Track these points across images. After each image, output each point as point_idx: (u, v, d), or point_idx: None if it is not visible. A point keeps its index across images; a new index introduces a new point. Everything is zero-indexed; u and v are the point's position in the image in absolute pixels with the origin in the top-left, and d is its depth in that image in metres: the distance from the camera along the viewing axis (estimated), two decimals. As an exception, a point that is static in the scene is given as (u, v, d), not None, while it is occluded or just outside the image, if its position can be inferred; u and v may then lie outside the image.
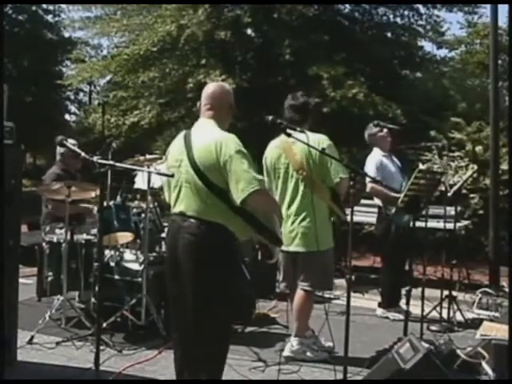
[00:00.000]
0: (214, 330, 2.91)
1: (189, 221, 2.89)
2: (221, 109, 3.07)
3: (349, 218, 3.38)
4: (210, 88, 3.15)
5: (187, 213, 2.92)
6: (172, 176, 2.87)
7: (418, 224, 4.99)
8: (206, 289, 2.88)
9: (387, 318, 5.48)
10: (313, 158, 4.02)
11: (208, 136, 2.92)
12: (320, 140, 3.97)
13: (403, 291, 4.90)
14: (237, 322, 4.93)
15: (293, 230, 4.14)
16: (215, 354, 2.94)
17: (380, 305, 5.62)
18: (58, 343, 4.33)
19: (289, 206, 4.16)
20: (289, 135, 3.45)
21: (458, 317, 5.30)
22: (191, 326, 2.93)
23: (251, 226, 2.93)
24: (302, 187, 4.11)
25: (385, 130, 5.53)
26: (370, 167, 5.43)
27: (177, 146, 3.06)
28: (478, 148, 8.58)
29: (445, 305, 5.25)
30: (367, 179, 5.21)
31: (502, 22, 9.09)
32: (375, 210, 5.81)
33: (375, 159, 5.48)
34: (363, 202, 6.09)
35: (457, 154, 8.64)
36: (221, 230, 2.87)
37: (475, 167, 7.67)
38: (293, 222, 4.13)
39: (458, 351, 4.00)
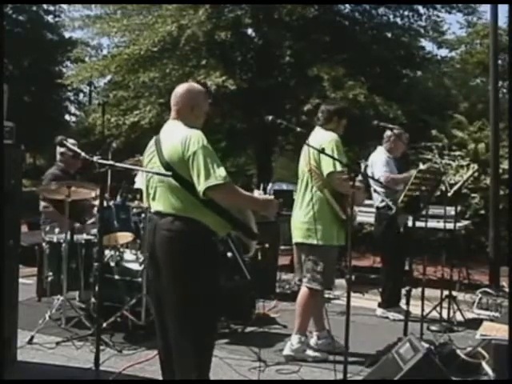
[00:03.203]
0: (194, 326, 2.89)
1: (165, 218, 2.94)
2: (183, 109, 3.08)
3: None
4: (176, 89, 3.17)
5: (163, 211, 2.97)
6: (171, 176, 2.87)
7: (418, 224, 5.00)
8: (185, 285, 2.89)
9: (387, 318, 5.47)
10: (314, 156, 4.15)
11: (175, 134, 2.96)
12: (322, 137, 4.17)
13: (403, 291, 4.90)
14: (237, 321, 4.94)
15: (299, 223, 4.29)
16: (201, 353, 2.91)
17: (380, 305, 5.62)
18: (57, 343, 4.32)
19: (299, 201, 4.33)
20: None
21: (458, 317, 5.29)
22: (174, 324, 2.94)
23: (224, 220, 2.95)
24: (309, 184, 4.24)
25: (405, 135, 5.59)
26: (379, 163, 5.47)
27: (149, 150, 3.13)
28: (481, 146, 8.57)
29: (445, 305, 5.25)
30: (379, 173, 5.33)
31: (502, 22, 9.13)
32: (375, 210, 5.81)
33: (383, 157, 5.52)
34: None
35: (458, 153, 8.65)
36: (196, 225, 2.89)
37: (476, 167, 7.67)
38: (300, 216, 4.28)
39: (458, 351, 4.00)
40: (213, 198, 2.84)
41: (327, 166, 4.08)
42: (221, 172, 2.82)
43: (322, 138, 4.16)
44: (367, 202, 5.77)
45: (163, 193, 2.98)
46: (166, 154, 2.94)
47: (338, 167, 4.03)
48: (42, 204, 5.40)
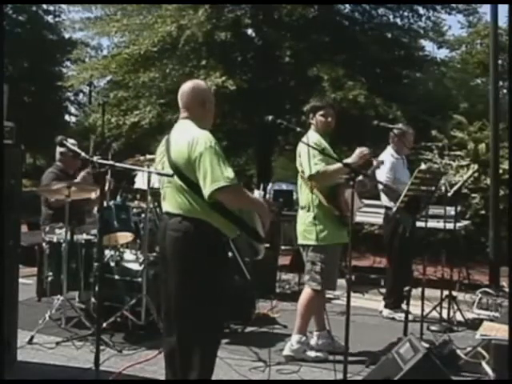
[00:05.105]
0: (198, 326, 2.88)
1: (173, 218, 2.95)
2: (192, 108, 3.06)
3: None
4: (181, 88, 3.14)
5: (171, 211, 2.98)
6: (172, 176, 2.87)
7: (418, 224, 4.99)
8: (191, 285, 2.89)
9: (393, 318, 5.41)
10: (299, 159, 4.20)
11: (183, 135, 2.95)
12: (305, 139, 4.09)
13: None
14: (237, 321, 4.94)
15: (298, 225, 4.31)
16: (204, 353, 2.90)
17: (387, 305, 5.57)
18: (57, 343, 4.32)
19: (298, 202, 4.38)
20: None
21: (458, 317, 5.29)
22: (178, 323, 2.94)
23: (231, 223, 2.93)
24: (303, 185, 4.25)
25: (411, 133, 5.58)
26: (387, 166, 5.41)
27: (160, 149, 3.13)
28: (481, 146, 8.57)
29: (445, 305, 5.24)
30: (383, 177, 5.30)
31: (502, 22, 9.13)
32: (376, 210, 5.81)
33: (390, 159, 5.51)
34: (364, 201, 6.08)
35: (458, 153, 8.65)
36: (203, 226, 2.88)
37: (476, 167, 7.67)
38: (299, 217, 4.30)
39: (458, 351, 4.01)
40: (220, 199, 2.81)
41: (307, 170, 4.09)
42: (229, 173, 2.80)
43: (305, 139, 4.07)
44: (366, 201, 5.77)
45: (171, 193, 2.98)
46: (173, 156, 2.94)
47: (314, 170, 4.04)
48: (51, 200, 5.26)
